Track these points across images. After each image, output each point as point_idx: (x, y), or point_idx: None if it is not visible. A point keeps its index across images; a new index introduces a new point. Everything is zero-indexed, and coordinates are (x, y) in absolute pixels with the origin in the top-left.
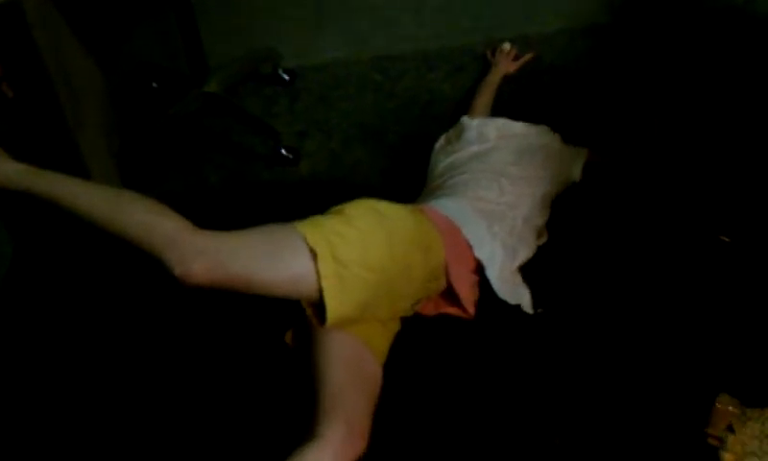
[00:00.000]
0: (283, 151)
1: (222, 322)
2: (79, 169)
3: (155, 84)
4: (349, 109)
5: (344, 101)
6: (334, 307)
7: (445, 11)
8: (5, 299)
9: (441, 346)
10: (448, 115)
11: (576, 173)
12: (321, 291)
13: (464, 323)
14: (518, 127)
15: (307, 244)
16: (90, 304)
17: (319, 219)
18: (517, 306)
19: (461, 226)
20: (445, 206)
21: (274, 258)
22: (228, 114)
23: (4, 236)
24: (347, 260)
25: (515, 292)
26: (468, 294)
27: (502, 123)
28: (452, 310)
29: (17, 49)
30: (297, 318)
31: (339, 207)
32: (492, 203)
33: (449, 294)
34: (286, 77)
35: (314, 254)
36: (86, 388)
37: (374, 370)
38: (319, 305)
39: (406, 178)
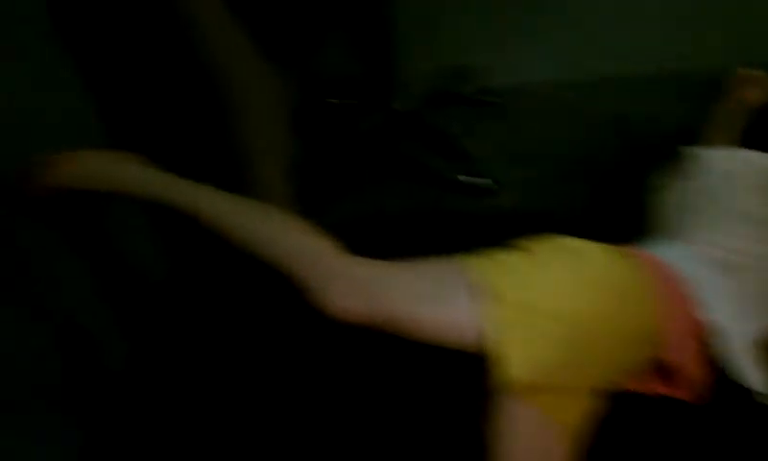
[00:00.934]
0: (476, 179)
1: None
2: (245, 180)
3: (339, 99)
4: (557, 137)
5: (551, 127)
6: (510, 365)
7: (685, 27)
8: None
9: (656, 437)
10: (675, 147)
11: None
12: (492, 343)
13: (689, 408)
14: (761, 158)
15: (479, 283)
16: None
17: (497, 256)
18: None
19: (688, 278)
20: (666, 252)
21: (434, 297)
22: (417, 135)
23: (159, 248)
24: (529, 306)
25: (754, 371)
26: (691, 367)
27: (745, 155)
28: (673, 391)
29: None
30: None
31: (525, 243)
32: (731, 252)
33: (668, 367)
34: (488, 98)
35: (486, 296)
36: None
37: (566, 456)
38: (492, 360)
39: (619, 216)
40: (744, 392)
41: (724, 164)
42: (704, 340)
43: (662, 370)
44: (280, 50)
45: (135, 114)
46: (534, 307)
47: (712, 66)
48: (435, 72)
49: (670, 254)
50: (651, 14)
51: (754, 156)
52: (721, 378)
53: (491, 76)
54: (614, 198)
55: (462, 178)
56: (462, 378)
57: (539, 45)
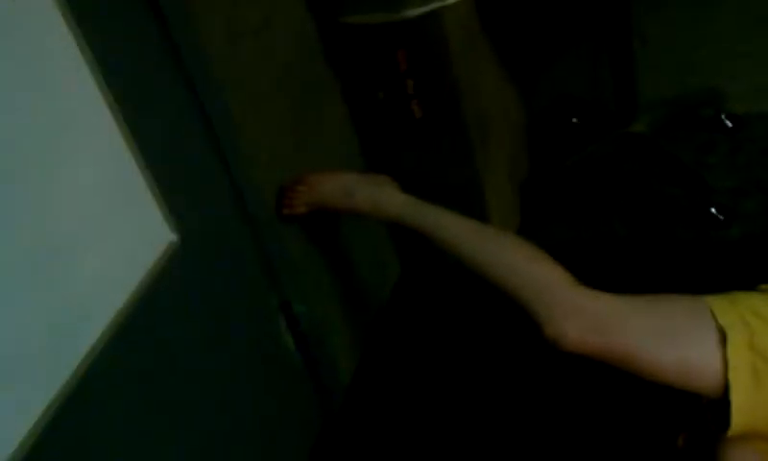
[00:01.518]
0: (713, 209)
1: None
2: (478, 200)
3: (575, 120)
4: None
5: None
6: (742, 409)
7: None
8: (390, 315)
9: None
10: None
11: None
12: (726, 386)
13: None
14: None
15: (716, 324)
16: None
17: (739, 296)
18: None
19: None
20: None
21: (668, 335)
22: (653, 160)
23: (392, 255)
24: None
25: None
26: None
27: None
28: None
29: (431, 65)
30: (695, 418)
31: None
32: None
33: None
34: (729, 123)
35: (723, 338)
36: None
37: None
38: (721, 404)
39: None
40: None
41: None
42: None
43: None
44: (522, 63)
45: (387, 139)
46: None
47: None
48: (676, 96)
49: None
50: None
51: None
52: None
53: (736, 102)
54: None
55: (711, 208)
56: (688, 421)
57: None
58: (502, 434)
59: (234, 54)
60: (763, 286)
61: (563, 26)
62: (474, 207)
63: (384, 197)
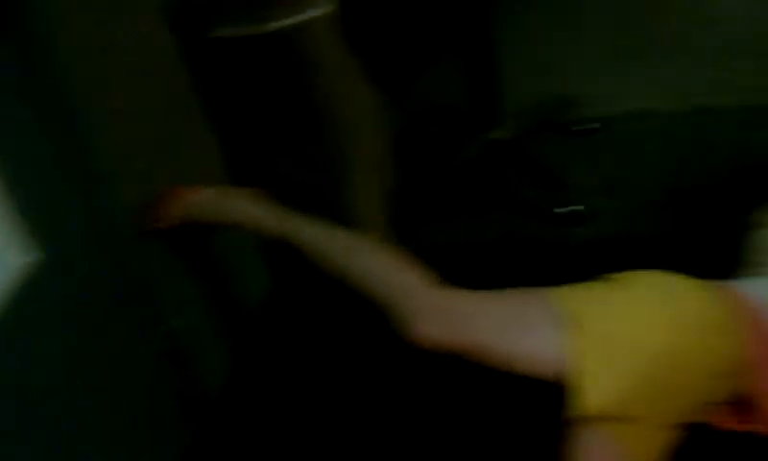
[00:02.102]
0: (573, 208)
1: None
2: (347, 203)
3: (441, 127)
4: (656, 168)
5: (651, 157)
6: (590, 393)
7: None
8: (260, 325)
9: None
10: None
11: None
12: (574, 371)
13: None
14: None
15: (563, 313)
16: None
17: (585, 286)
18: None
19: None
20: (760, 289)
21: (518, 327)
22: (516, 164)
23: (261, 266)
24: (612, 336)
25: None
26: None
27: None
28: (751, 425)
29: (294, 79)
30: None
31: (613, 276)
32: None
33: (748, 401)
34: (588, 127)
35: (570, 326)
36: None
37: None
38: (571, 389)
39: (717, 253)
40: None
41: None
42: None
43: (742, 405)
44: (388, 74)
45: (253, 151)
46: (614, 338)
47: None
48: (537, 102)
49: (762, 291)
50: (744, 47)
51: None
52: None
53: (595, 105)
54: (709, 230)
55: (559, 210)
56: (541, 405)
57: (642, 75)
58: (371, 437)
59: (94, 70)
60: (605, 276)
61: (430, 36)
62: (344, 215)
63: (250, 209)
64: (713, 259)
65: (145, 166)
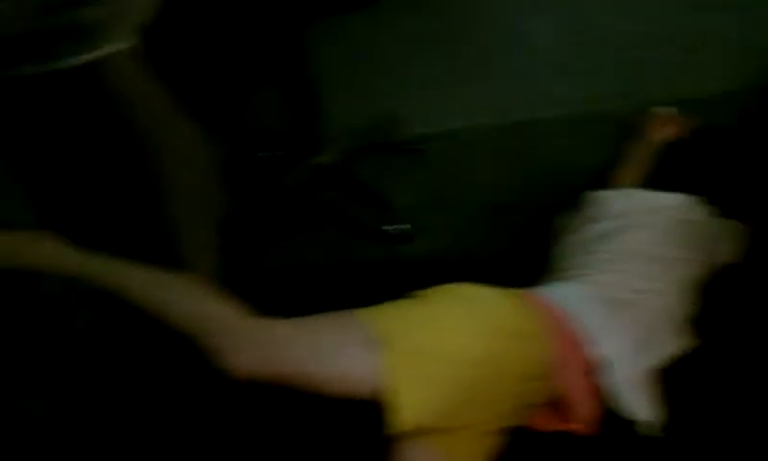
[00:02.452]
0: (399, 227)
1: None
2: (168, 245)
3: (268, 153)
4: (480, 182)
5: (474, 173)
6: (404, 409)
7: (595, 73)
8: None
9: None
10: (590, 189)
11: (729, 252)
12: (388, 389)
13: (583, 442)
14: (660, 199)
15: (372, 333)
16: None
17: (390, 305)
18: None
19: (577, 316)
20: (560, 293)
21: (332, 350)
22: (340, 187)
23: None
24: (421, 351)
25: (643, 403)
26: (582, 400)
27: (639, 196)
28: (570, 426)
29: (97, 115)
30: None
31: (421, 293)
32: (621, 289)
33: (562, 403)
34: (411, 145)
35: (381, 345)
36: None
37: None
38: (387, 407)
39: (533, 262)
40: (629, 424)
41: (619, 205)
42: (594, 374)
43: (557, 405)
44: (205, 107)
45: (61, 190)
46: (424, 353)
47: (620, 109)
48: (361, 124)
49: (563, 294)
50: (553, 62)
51: (647, 195)
52: (610, 411)
53: (417, 124)
54: (537, 243)
55: (387, 227)
56: (364, 427)
57: (461, 94)
58: None
59: None
60: (414, 294)
61: (246, 63)
62: (168, 251)
63: (35, 250)
64: (533, 268)
65: None
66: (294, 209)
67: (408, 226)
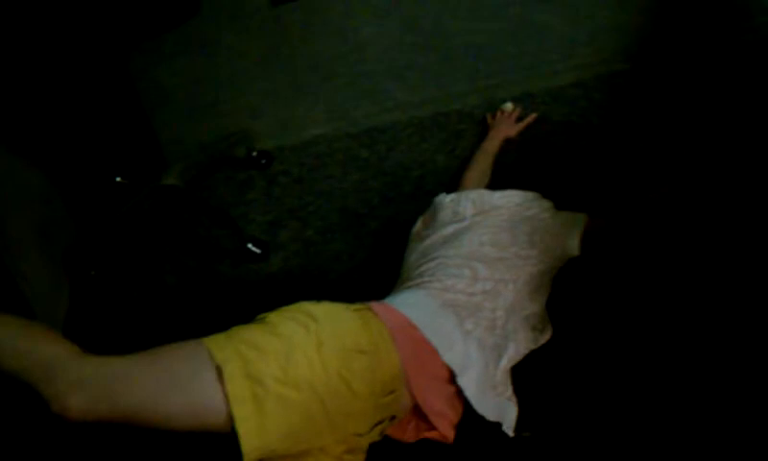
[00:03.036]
0: (250, 245)
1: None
2: (6, 276)
3: (119, 179)
4: (331, 192)
5: (325, 182)
6: (250, 439)
7: (436, 73)
8: None
9: None
10: (443, 191)
11: (573, 246)
12: (232, 420)
13: (444, 448)
14: (497, 198)
15: (214, 361)
16: None
17: (237, 330)
18: (498, 425)
19: (420, 325)
20: (404, 303)
21: (171, 384)
22: (189, 208)
23: None
24: (264, 377)
25: (498, 405)
26: (440, 408)
27: (477, 195)
28: (433, 434)
29: None
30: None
31: (263, 315)
32: (464, 293)
33: (423, 411)
34: (262, 160)
35: (224, 373)
36: None
37: None
38: (235, 439)
39: (388, 270)
40: (490, 426)
41: (461, 207)
42: (448, 381)
43: (417, 416)
44: (39, 139)
45: None
46: (269, 376)
47: (467, 107)
48: (208, 140)
49: (409, 303)
50: (389, 67)
51: (487, 195)
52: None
53: (264, 139)
54: (391, 251)
55: (248, 244)
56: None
57: (307, 104)
58: None
59: None
60: (258, 317)
61: (77, 97)
62: (6, 288)
63: None
64: (393, 276)
65: None
66: (139, 235)
67: (260, 244)
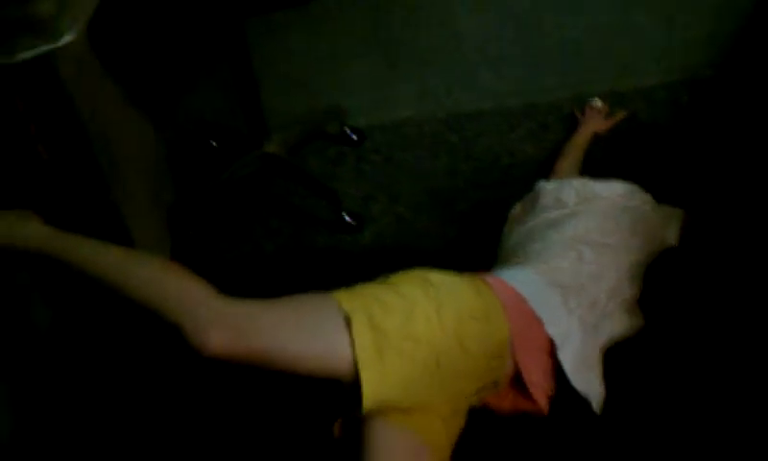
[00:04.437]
0: (345, 216)
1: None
2: (120, 231)
3: (214, 143)
4: (420, 173)
5: (415, 163)
6: (372, 384)
7: (529, 65)
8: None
9: (506, 446)
10: (531, 179)
11: (671, 237)
12: (358, 367)
13: (536, 421)
14: (601, 188)
15: (342, 312)
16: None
17: (363, 286)
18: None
19: (529, 298)
20: (513, 277)
21: (302, 328)
22: (288, 177)
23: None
24: (387, 329)
25: (589, 382)
26: (538, 378)
27: (582, 184)
28: (527, 405)
29: (51, 107)
30: (343, 404)
31: (385, 276)
32: (570, 274)
33: (521, 383)
34: (354, 136)
35: (349, 323)
36: None
37: None
38: (357, 385)
39: (479, 249)
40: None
41: (565, 194)
42: (548, 353)
43: (521, 386)
44: (151, 97)
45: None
46: (392, 329)
47: (558, 101)
48: (305, 114)
49: (516, 278)
50: (501, 56)
51: (591, 184)
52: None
53: (358, 116)
54: (478, 232)
55: (344, 215)
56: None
57: (400, 87)
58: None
59: None
60: (379, 278)
61: (191, 57)
62: (118, 238)
63: (24, 230)
64: (480, 254)
65: None
66: (239, 201)
67: (355, 214)
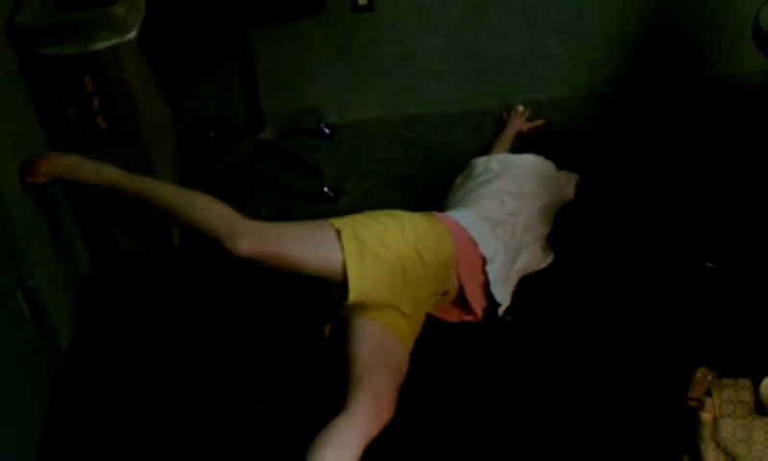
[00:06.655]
0: (326, 189)
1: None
2: None
3: (212, 134)
4: (382, 160)
5: (377, 152)
6: (356, 279)
7: (467, 77)
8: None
9: (451, 346)
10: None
11: (569, 191)
12: (345, 267)
13: (473, 326)
14: (518, 158)
15: (334, 229)
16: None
17: (348, 217)
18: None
19: (467, 227)
20: (455, 214)
21: (306, 239)
22: (277, 159)
23: (82, 248)
24: (366, 240)
25: (504, 293)
26: (473, 289)
27: (504, 157)
28: (468, 317)
29: (113, 87)
30: (334, 314)
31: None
32: (495, 212)
33: (464, 302)
34: (327, 131)
35: (339, 237)
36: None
37: (399, 351)
38: (345, 285)
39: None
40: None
41: (492, 164)
42: (482, 270)
43: (463, 303)
44: (172, 90)
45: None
46: (370, 240)
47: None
48: (288, 111)
49: (458, 215)
50: (433, 70)
51: (512, 156)
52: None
53: (331, 115)
54: (429, 204)
55: (313, 191)
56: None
57: (367, 92)
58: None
59: None
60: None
61: (197, 57)
62: None
63: (105, 169)
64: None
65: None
66: (238, 177)
67: (330, 189)
